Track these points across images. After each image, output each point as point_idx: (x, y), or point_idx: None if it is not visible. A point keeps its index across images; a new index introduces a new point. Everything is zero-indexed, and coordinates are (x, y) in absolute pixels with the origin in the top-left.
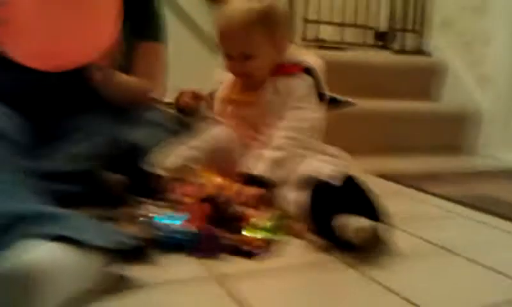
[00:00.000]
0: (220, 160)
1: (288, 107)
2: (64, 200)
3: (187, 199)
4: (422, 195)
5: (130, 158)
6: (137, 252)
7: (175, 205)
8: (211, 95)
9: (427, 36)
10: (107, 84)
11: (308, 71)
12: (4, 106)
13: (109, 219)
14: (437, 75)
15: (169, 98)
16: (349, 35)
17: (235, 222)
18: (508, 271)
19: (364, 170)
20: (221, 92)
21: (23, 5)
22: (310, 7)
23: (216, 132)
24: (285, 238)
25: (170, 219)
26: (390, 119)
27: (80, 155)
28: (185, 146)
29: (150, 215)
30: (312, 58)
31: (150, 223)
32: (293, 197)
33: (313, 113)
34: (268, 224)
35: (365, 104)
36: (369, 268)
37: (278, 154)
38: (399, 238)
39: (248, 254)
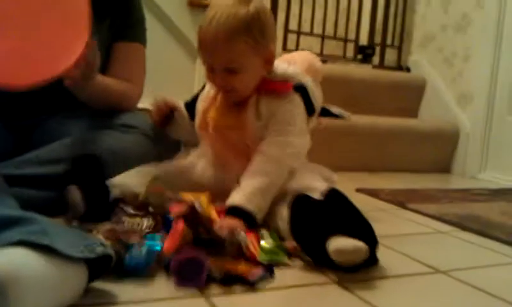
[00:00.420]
0: (183, 183)
1: (270, 130)
2: (33, 206)
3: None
4: (404, 212)
5: (93, 164)
6: (106, 261)
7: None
8: (189, 103)
9: (407, 52)
10: (80, 87)
11: (298, 87)
12: None
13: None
14: (416, 91)
15: (146, 103)
16: (329, 48)
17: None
18: (496, 291)
19: (345, 186)
20: (202, 103)
21: None
22: (291, 18)
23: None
24: (285, 259)
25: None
26: (368, 134)
27: (39, 158)
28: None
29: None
30: (301, 57)
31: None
32: (285, 215)
33: (298, 138)
34: (274, 245)
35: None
36: (357, 287)
37: (258, 182)
38: (386, 256)
39: (246, 282)
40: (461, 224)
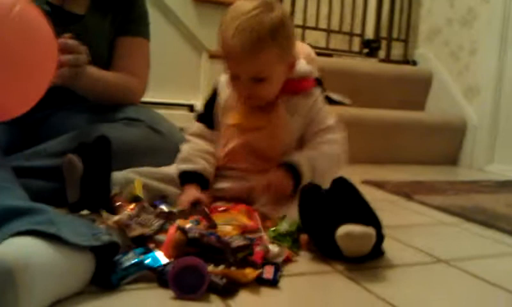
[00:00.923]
0: None
1: (312, 133)
2: (42, 196)
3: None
4: (409, 204)
5: (95, 154)
6: (112, 249)
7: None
8: (205, 114)
9: (413, 45)
10: (70, 84)
11: (317, 81)
12: None
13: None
14: (422, 84)
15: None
16: (335, 42)
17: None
18: (502, 283)
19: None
20: (227, 112)
21: None
22: (296, 12)
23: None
24: (289, 246)
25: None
26: (375, 127)
27: (47, 151)
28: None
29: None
30: (303, 50)
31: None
32: None
33: (337, 131)
34: (286, 230)
35: (352, 111)
36: (361, 276)
37: (313, 152)
38: (390, 247)
39: (266, 281)
40: (466, 215)
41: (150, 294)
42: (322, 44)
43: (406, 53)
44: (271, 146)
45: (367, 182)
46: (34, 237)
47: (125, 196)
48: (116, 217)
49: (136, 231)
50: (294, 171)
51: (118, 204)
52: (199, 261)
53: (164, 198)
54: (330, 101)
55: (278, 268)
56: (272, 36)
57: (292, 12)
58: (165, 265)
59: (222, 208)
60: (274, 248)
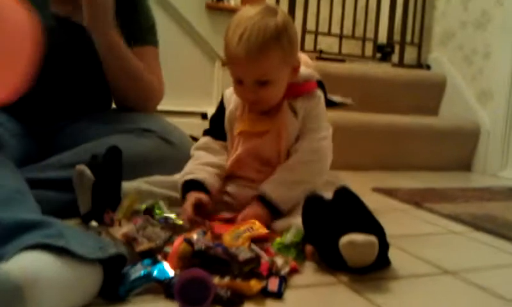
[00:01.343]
0: None
1: (306, 130)
2: (55, 207)
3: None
4: (419, 212)
5: (106, 165)
6: (119, 262)
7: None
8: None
9: (427, 50)
10: (94, 29)
11: (318, 83)
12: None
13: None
14: (436, 89)
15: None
16: (348, 47)
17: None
18: (508, 294)
19: (363, 185)
20: (231, 113)
21: None
22: (308, 18)
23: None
24: (294, 258)
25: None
26: (388, 132)
27: (61, 162)
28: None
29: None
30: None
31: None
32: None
33: (328, 131)
34: (291, 241)
35: (364, 117)
36: (365, 288)
37: (288, 175)
38: (397, 257)
39: (271, 294)
40: (476, 224)
41: (157, 306)
42: (335, 49)
43: (419, 57)
44: (276, 149)
45: (377, 190)
46: (43, 251)
47: (125, 212)
48: (123, 230)
49: (144, 245)
50: (268, 203)
51: (113, 218)
52: (205, 274)
53: (167, 219)
54: (332, 104)
55: (282, 280)
56: (276, 39)
57: (305, 17)
58: (172, 277)
59: (227, 217)
60: (279, 260)
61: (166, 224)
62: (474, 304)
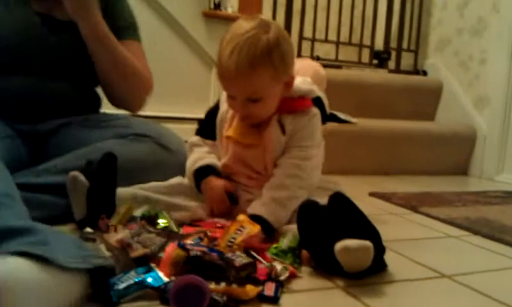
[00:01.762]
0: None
1: (292, 145)
2: (52, 213)
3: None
4: (416, 216)
5: (101, 170)
6: (106, 273)
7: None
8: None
9: (423, 56)
10: (77, 17)
11: (315, 100)
12: None
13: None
14: (433, 94)
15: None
16: (345, 53)
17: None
18: (506, 299)
19: (360, 190)
20: (223, 114)
21: None
22: (305, 25)
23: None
24: (290, 263)
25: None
26: (384, 138)
27: (57, 167)
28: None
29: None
30: (304, 65)
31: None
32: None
33: (316, 150)
34: (288, 247)
35: (361, 122)
36: (362, 292)
37: (279, 194)
38: (393, 261)
39: (267, 299)
40: (472, 228)
41: None
42: (332, 56)
43: (415, 63)
44: (262, 162)
45: (374, 194)
46: (21, 257)
47: (121, 219)
48: (118, 236)
49: (138, 251)
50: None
51: (109, 224)
52: (200, 280)
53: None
54: (336, 119)
55: (279, 285)
56: (267, 55)
57: (302, 25)
58: (167, 283)
59: (220, 225)
60: (278, 265)
61: (162, 230)
62: None
